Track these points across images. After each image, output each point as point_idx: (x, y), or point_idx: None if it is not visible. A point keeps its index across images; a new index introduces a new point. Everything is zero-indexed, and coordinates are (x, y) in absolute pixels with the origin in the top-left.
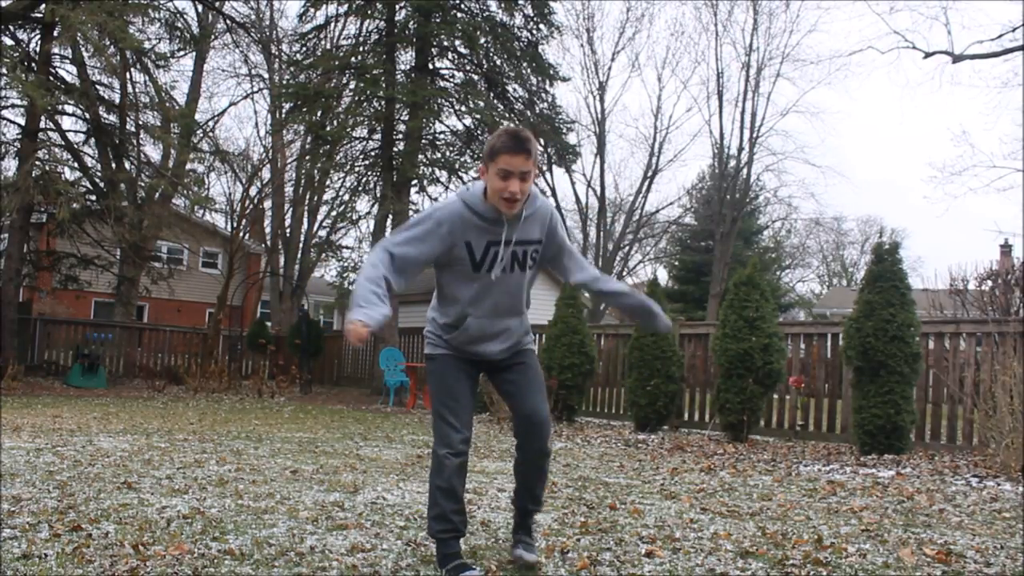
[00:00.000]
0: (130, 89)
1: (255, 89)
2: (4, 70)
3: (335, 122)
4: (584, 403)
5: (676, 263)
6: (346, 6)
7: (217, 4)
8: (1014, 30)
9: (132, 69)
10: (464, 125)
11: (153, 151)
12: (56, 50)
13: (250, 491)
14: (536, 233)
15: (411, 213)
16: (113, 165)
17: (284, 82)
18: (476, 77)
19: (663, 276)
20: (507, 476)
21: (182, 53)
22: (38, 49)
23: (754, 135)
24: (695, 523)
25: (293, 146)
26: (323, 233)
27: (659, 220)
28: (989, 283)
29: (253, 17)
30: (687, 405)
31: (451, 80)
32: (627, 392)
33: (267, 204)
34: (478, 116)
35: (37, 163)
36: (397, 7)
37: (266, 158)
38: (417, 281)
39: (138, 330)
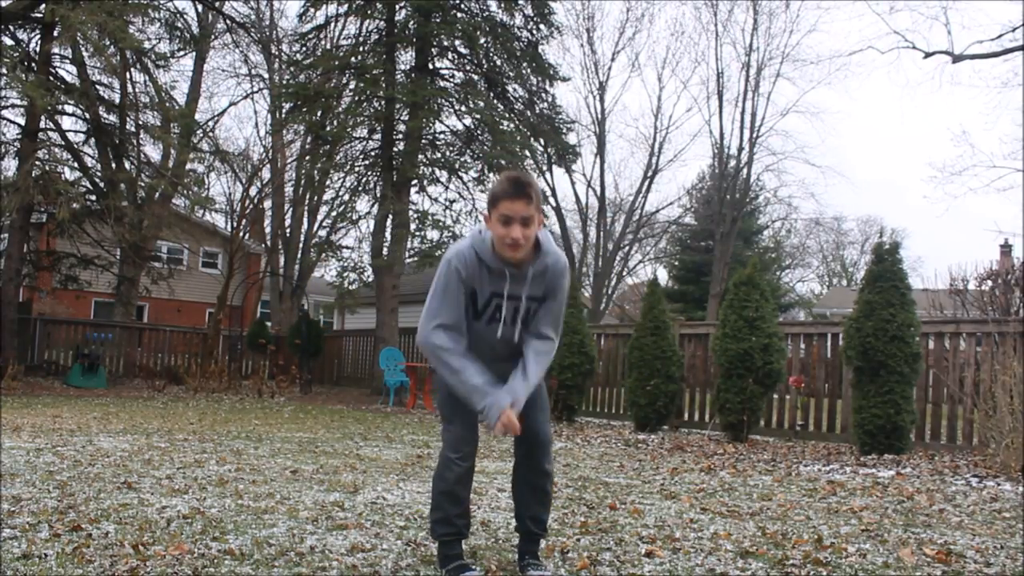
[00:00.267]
0: (130, 89)
1: (255, 89)
2: (4, 70)
3: (335, 122)
4: (584, 403)
5: (676, 263)
6: (346, 6)
7: (217, 4)
8: (1014, 30)
9: (132, 69)
10: (464, 125)
11: (153, 151)
12: (56, 50)
13: (250, 491)
14: (541, 291)
15: (411, 213)
16: (113, 165)
17: (284, 82)
18: (476, 77)
19: (663, 276)
20: (507, 476)
21: (182, 53)
22: (38, 49)
23: (754, 135)
24: (695, 523)
25: (293, 146)
26: (323, 233)
27: (659, 220)
28: (989, 283)
29: (253, 17)
30: (687, 405)
31: (451, 80)
32: (627, 392)
33: (267, 204)
34: (478, 116)
35: (37, 163)
36: (397, 7)
37: (266, 158)
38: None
39: (138, 330)
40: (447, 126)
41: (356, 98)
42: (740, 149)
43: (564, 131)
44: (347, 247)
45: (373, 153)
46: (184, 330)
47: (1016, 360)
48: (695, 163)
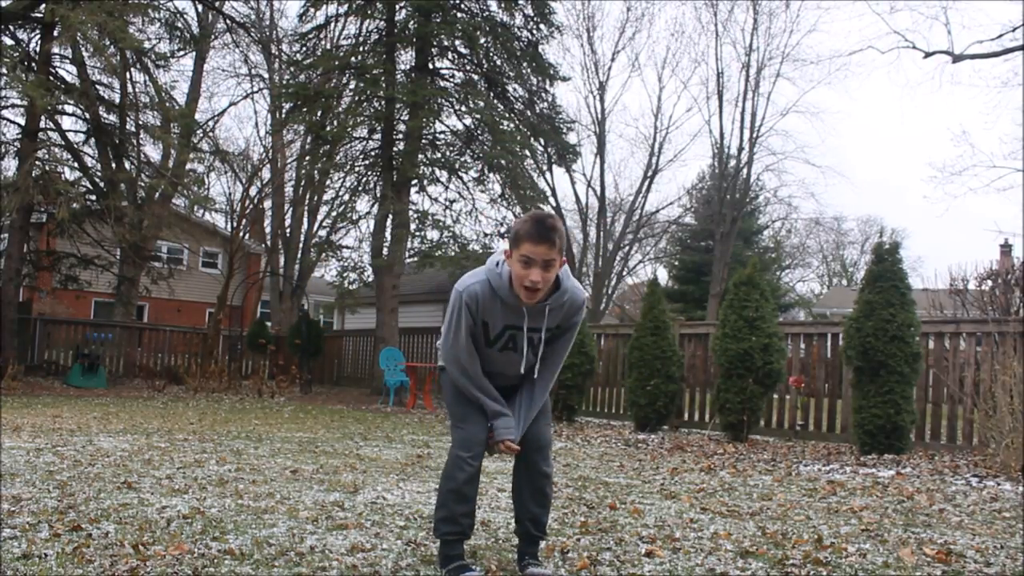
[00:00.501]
0: (130, 89)
1: (255, 89)
2: (4, 70)
3: (335, 122)
4: (584, 403)
5: (676, 263)
6: (346, 6)
7: (217, 4)
8: (1014, 30)
9: (132, 69)
10: (464, 125)
11: (153, 151)
12: (56, 50)
13: (250, 491)
14: (556, 322)
15: (411, 213)
16: (113, 165)
17: (284, 82)
18: (476, 77)
19: (663, 276)
20: (507, 476)
21: (182, 53)
22: (38, 49)
23: (754, 135)
24: (695, 523)
25: (293, 146)
26: (323, 233)
27: (659, 220)
28: (989, 283)
29: (253, 17)
30: (687, 405)
31: (451, 80)
32: (627, 392)
33: (267, 204)
34: (478, 116)
35: (37, 163)
36: (397, 7)
37: (266, 158)
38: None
39: (138, 330)
40: (447, 126)
41: (356, 98)
42: (740, 149)
43: (564, 131)
44: (347, 247)
45: (373, 153)
46: (184, 330)
47: (1016, 360)
48: (695, 163)
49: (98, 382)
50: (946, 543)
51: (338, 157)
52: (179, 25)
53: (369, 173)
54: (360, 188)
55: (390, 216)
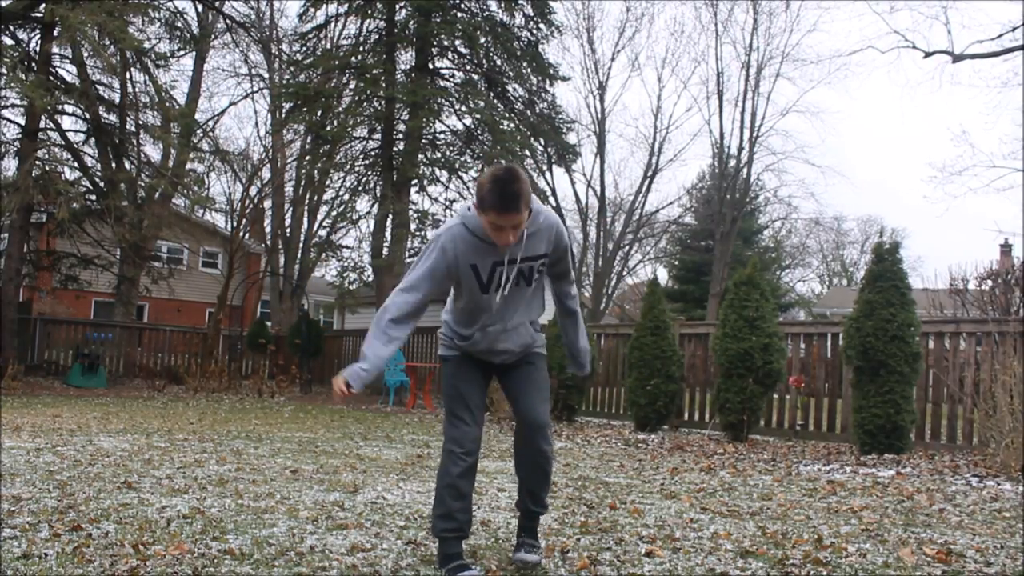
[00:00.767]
0: (130, 89)
1: (255, 89)
2: (4, 70)
3: (335, 122)
4: (584, 403)
5: (676, 263)
6: (346, 6)
7: (217, 4)
8: (1014, 30)
9: (132, 69)
10: (464, 125)
11: (153, 151)
12: (56, 50)
13: (250, 491)
14: (542, 248)
15: (411, 213)
16: (113, 165)
17: (284, 82)
18: (476, 77)
19: (663, 276)
20: (507, 476)
21: (182, 53)
22: (38, 49)
23: (754, 135)
24: (695, 523)
25: (293, 146)
26: (323, 233)
27: (659, 220)
28: (989, 283)
29: (253, 17)
30: (687, 405)
31: (451, 80)
32: (627, 392)
33: (267, 204)
34: (478, 116)
35: (37, 163)
36: (397, 7)
37: (266, 158)
38: None
39: (138, 330)
40: (447, 126)
41: (356, 98)
42: (740, 149)
43: (564, 131)
44: (347, 247)
45: (373, 153)
46: (184, 330)
47: (1016, 360)
48: (695, 163)
49: (98, 382)
50: (946, 543)
51: (338, 157)
52: (179, 25)
53: (369, 173)
54: (360, 188)
55: (390, 216)
